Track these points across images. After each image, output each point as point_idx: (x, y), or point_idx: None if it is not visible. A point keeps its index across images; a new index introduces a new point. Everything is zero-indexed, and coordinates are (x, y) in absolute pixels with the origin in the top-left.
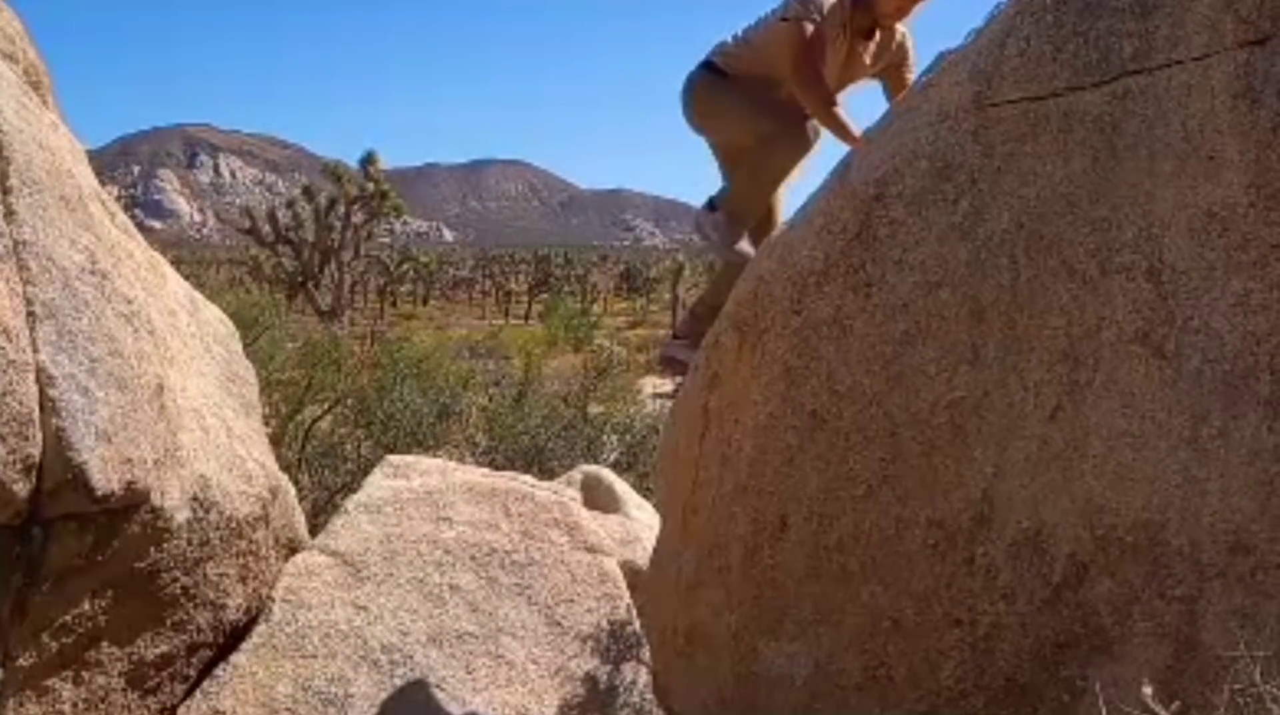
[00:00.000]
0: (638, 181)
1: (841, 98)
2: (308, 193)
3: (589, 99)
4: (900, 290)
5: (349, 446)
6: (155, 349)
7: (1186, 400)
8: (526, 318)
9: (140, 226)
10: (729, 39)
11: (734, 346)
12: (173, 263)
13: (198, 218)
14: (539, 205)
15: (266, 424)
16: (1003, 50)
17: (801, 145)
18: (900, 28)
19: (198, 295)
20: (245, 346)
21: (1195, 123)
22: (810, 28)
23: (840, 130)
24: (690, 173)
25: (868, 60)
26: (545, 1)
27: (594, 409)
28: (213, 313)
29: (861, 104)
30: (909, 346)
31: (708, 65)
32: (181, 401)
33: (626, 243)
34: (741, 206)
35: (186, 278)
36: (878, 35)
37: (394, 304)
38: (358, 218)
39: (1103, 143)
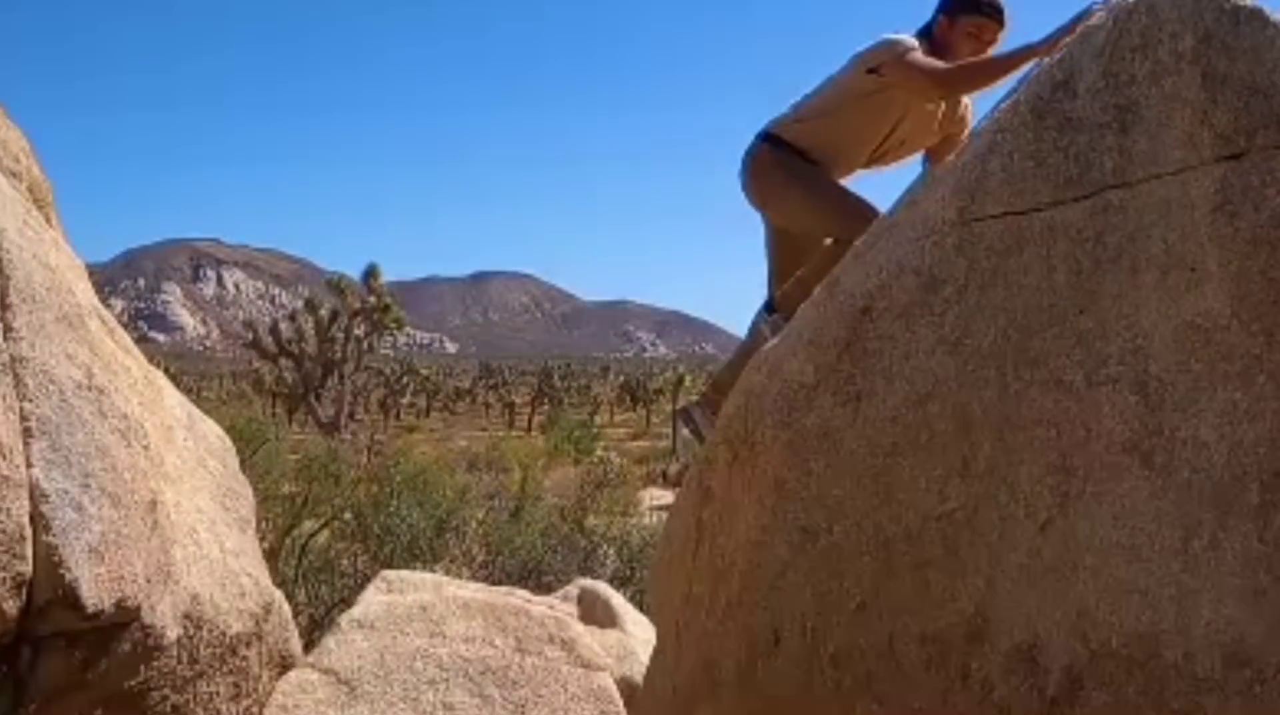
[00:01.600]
0: (639, 293)
1: (862, 173)
2: (310, 306)
3: (591, 211)
4: (889, 403)
5: (346, 561)
6: (150, 464)
7: (1177, 511)
8: (529, 429)
9: (144, 339)
10: (788, 110)
11: (725, 461)
12: (175, 375)
13: (201, 330)
14: (541, 317)
15: (263, 539)
16: (985, 166)
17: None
18: (965, 98)
19: (195, 409)
20: (243, 460)
21: (1176, 236)
22: (918, 55)
23: (1016, 59)
24: (691, 285)
25: (939, 116)
26: (546, 116)
27: (593, 521)
28: (209, 427)
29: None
30: (899, 459)
31: (767, 137)
32: (175, 517)
33: (629, 354)
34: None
35: (188, 390)
36: (944, 102)
37: (396, 416)
38: (360, 330)
39: (1086, 256)
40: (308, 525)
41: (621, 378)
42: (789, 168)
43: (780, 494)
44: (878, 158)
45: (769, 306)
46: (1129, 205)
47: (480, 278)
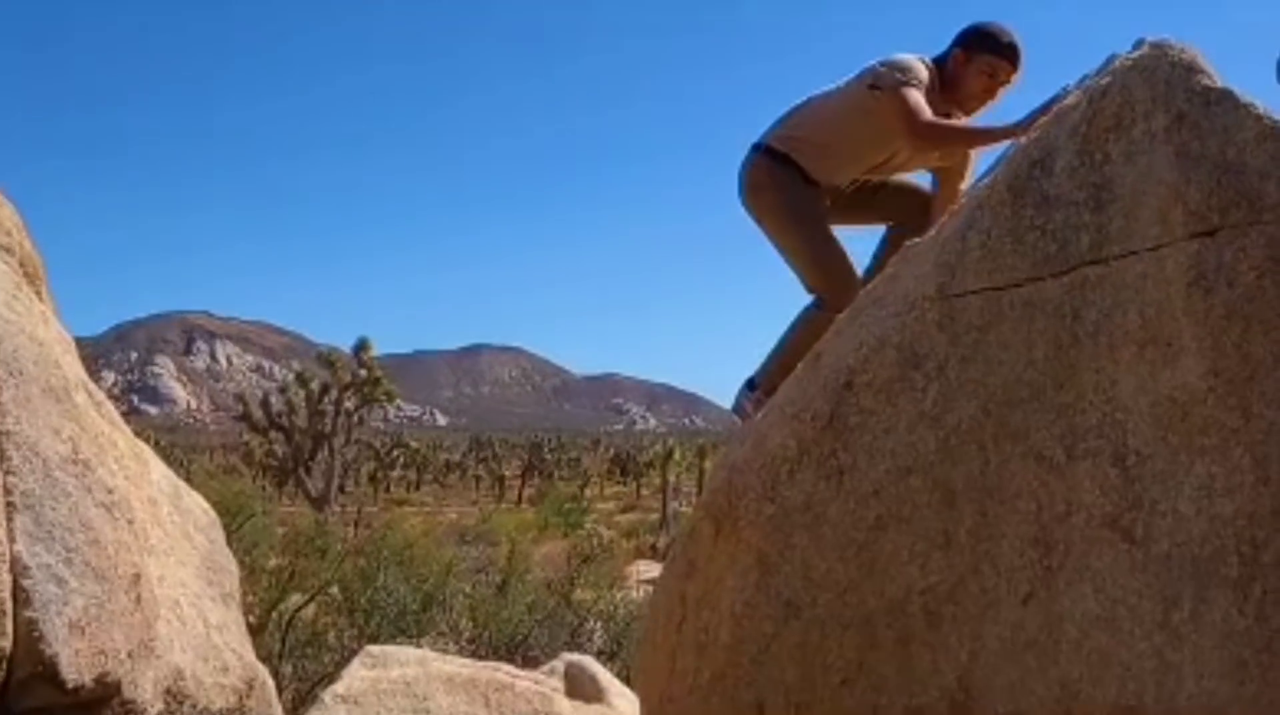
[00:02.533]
0: (629, 367)
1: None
2: (301, 379)
3: (582, 285)
4: (872, 477)
5: (332, 636)
6: (134, 538)
7: (1157, 584)
8: (519, 503)
9: (136, 412)
10: (782, 120)
11: (709, 535)
12: (166, 448)
13: (193, 403)
14: (532, 390)
15: (249, 613)
16: (964, 242)
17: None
18: (966, 119)
19: (181, 483)
20: (229, 534)
21: (1152, 311)
22: (914, 93)
23: (992, 135)
24: (680, 358)
25: (936, 152)
26: (537, 190)
27: (581, 595)
28: (195, 501)
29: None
30: (882, 533)
31: (762, 148)
32: (159, 591)
33: (619, 427)
34: (781, 368)
35: (179, 463)
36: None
37: (386, 489)
38: (350, 404)
39: (1064, 330)
40: (294, 599)
41: (612, 451)
42: (785, 192)
43: (764, 568)
44: (877, 171)
45: (750, 383)
46: (1106, 281)
47: (471, 351)
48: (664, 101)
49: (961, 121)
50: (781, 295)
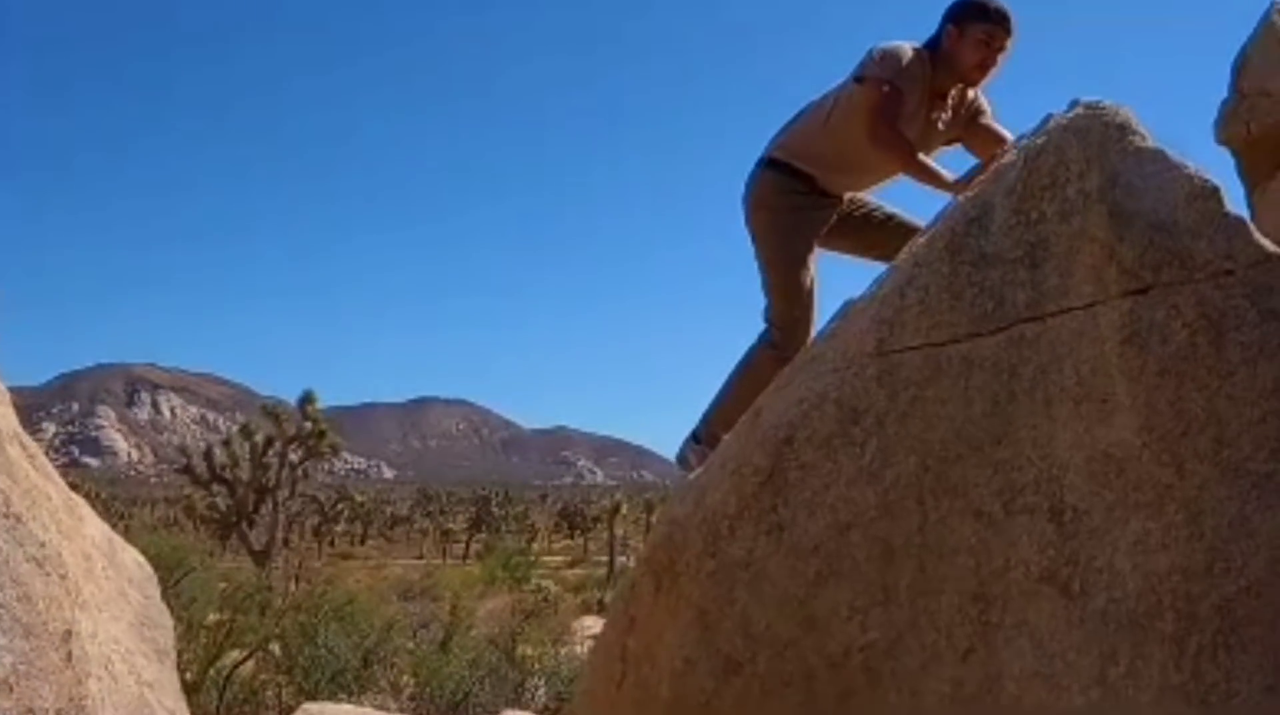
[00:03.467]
0: (578, 420)
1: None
2: (245, 431)
3: (531, 338)
4: (812, 532)
5: (270, 693)
6: (66, 594)
7: (1094, 639)
8: (465, 557)
9: (76, 464)
10: (785, 128)
11: (650, 590)
12: (106, 501)
13: (135, 455)
14: (480, 443)
15: (186, 670)
16: (903, 299)
17: (784, 354)
18: (973, 92)
19: (117, 537)
20: (167, 588)
21: (1087, 367)
22: (887, 88)
23: (933, 179)
24: (629, 411)
25: (941, 126)
26: (487, 243)
27: (526, 651)
28: (131, 556)
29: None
30: (822, 588)
31: (769, 162)
32: (90, 648)
33: (567, 480)
34: (726, 411)
35: (120, 516)
36: (951, 97)
37: (330, 543)
38: (295, 456)
39: (1001, 387)
40: (232, 656)
41: (560, 504)
42: (781, 214)
43: (704, 624)
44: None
45: (695, 435)
46: (1042, 338)
47: (419, 403)
48: (611, 152)
49: (927, 159)
50: (732, 349)
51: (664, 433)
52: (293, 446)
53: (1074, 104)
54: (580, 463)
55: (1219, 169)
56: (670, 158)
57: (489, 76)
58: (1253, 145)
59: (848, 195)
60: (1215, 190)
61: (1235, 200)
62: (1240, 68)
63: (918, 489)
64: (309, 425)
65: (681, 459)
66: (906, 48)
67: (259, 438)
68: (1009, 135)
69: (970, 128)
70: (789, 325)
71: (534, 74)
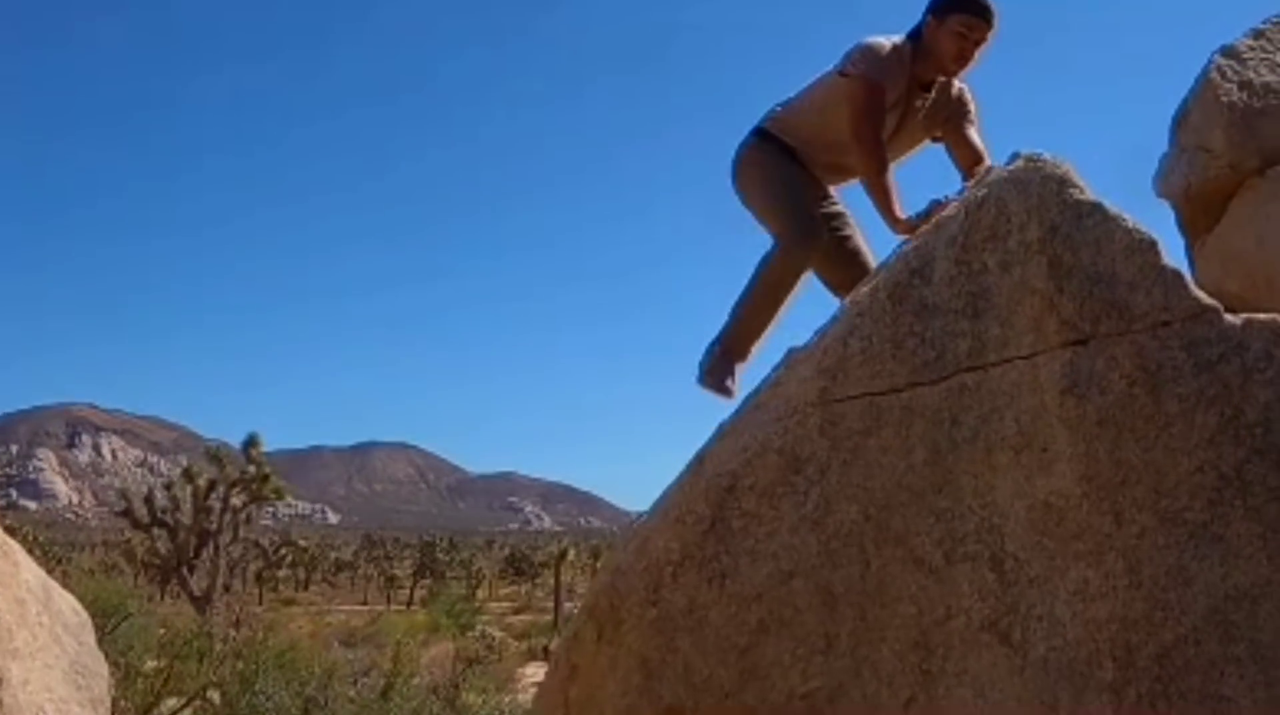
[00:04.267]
0: (526, 465)
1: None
2: (188, 475)
3: (479, 383)
4: (754, 580)
5: None
6: None
7: (1035, 687)
8: (409, 604)
9: (14, 507)
10: (779, 104)
11: (592, 638)
12: (45, 545)
13: (75, 498)
14: (426, 489)
15: None
16: (846, 348)
17: (812, 249)
18: (957, 81)
19: (52, 583)
20: (104, 635)
21: (1028, 417)
22: (871, 84)
23: (886, 203)
24: (577, 457)
25: (921, 115)
26: (432, 285)
27: (468, 699)
28: (66, 602)
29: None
30: (764, 636)
31: (758, 132)
32: (22, 696)
33: (514, 526)
34: (745, 326)
35: (58, 560)
36: (934, 90)
37: (273, 589)
38: (238, 501)
39: (943, 436)
40: (170, 704)
41: (506, 550)
42: (766, 168)
43: (646, 672)
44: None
45: (714, 344)
46: (983, 388)
47: (365, 448)
48: (559, 192)
49: (891, 180)
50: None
51: (612, 479)
52: (236, 490)
53: (1014, 156)
54: (527, 508)
55: (1159, 222)
56: (619, 202)
57: (421, 110)
58: (1192, 199)
59: (831, 209)
60: (1153, 243)
61: (1175, 253)
62: (1180, 122)
63: (860, 537)
64: (253, 469)
65: (706, 375)
66: (886, 43)
67: (201, 481)
68: (987, 157)
69: (953, 128)
70: (791, 231)
71: (472, 117)
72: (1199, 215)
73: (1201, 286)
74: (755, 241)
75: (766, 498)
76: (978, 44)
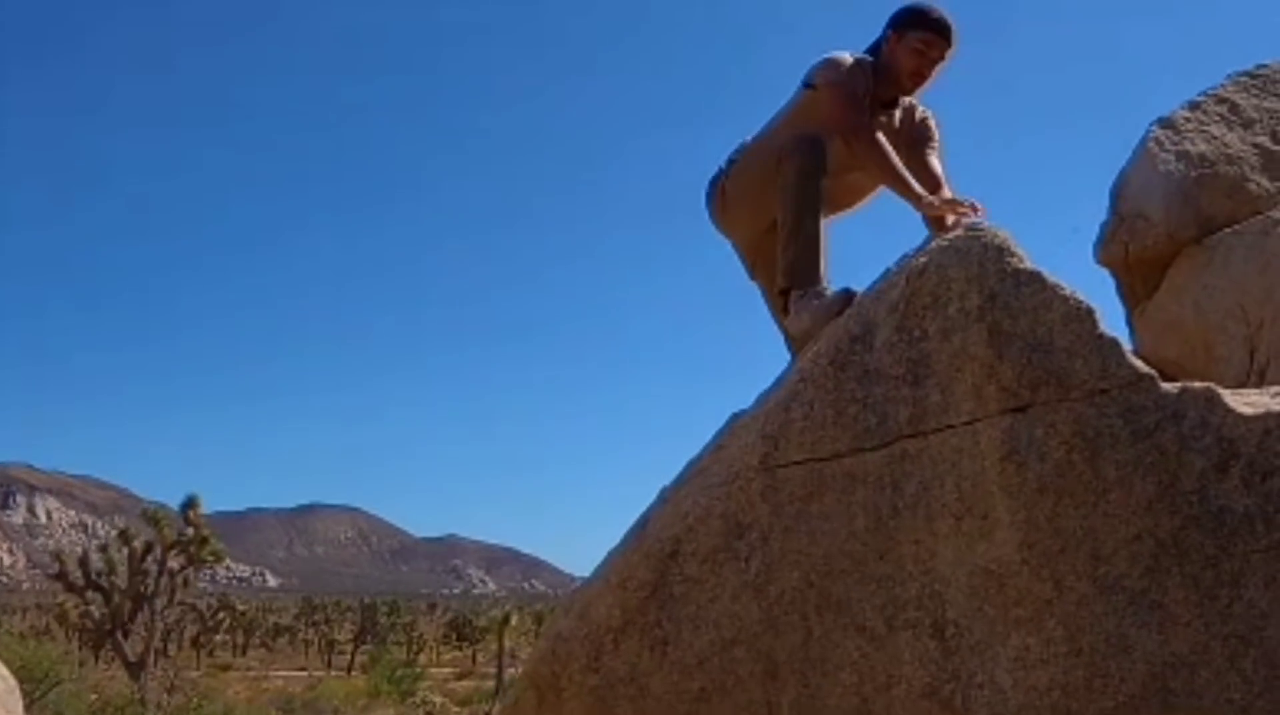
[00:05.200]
0: (469, 529)
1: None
2: (124, 536)
3: (423, 445)
4: (696, 647)
5: None
6: None
7: None
8: (349, 669)
9: None
10: (748, 138)
11: (533, 705)
12: None
13: (7, 560)
14: (368, 552)
15: None
16: (788, 413)
17: (816, 149)
18: (921, 106)
19: None
20: (33, 701)
21: (968, 484)
22: (841, 86)
23: (904, 185)
24: (521, 520)
25: (889, 136)
26: (377, 344)
27: None
28: None
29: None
30: (705, 704)
31: (731, 162)
32: None
33: (457, 590)
34: (799, 253)
35: None
36: (898, 112)
37: (210, 654)
38: (175, 563)
39: (884, 502)
40: None
41: (448, 615)
42: (744, 181)
43: None
44: (850, 189)
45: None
46: (924, 454)
47: (306, 510)
48: (500, 255)
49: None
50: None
51: (556, 543)
52: (173, 553)
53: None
54: (470, 572)
55: (1100, 289)
56: (561, 267)
57: (364, 176)
58: (1131, 267)
59: None
60: (1090, 311)
61: (1116, 320)
62: (1119, 191)
63: (802, 604)
64: (191, 531)
65: (792, 322)
66: (847, 56)
67: (138, 543)
68: (946, 187)
69: (914, 153)
70: (795, 142)
71: (422, 177)
72: (1138, 283)
73: (1141, 353)
74: (705, 294)
75: (709, 564)
76: (935, 62)
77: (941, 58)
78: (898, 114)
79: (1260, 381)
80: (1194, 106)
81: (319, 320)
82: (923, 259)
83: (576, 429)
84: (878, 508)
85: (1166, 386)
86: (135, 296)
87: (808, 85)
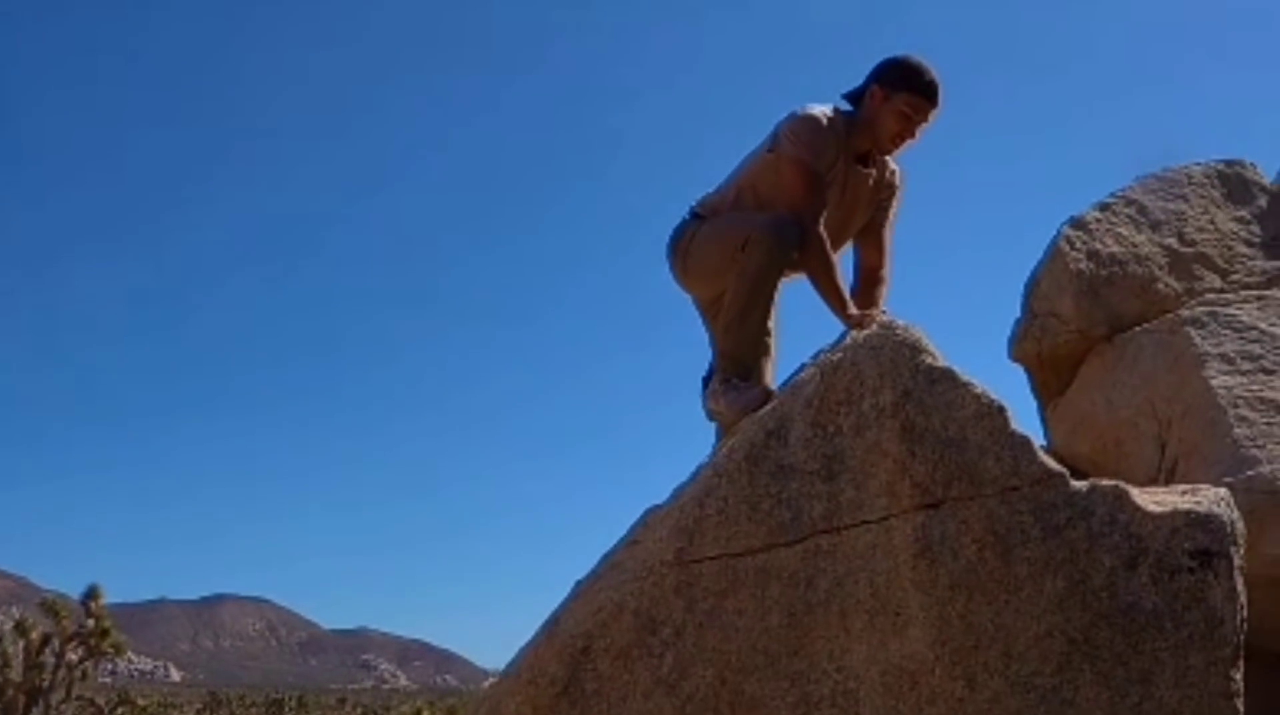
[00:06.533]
0: (381, 621)
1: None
2: (20, 628)
3: (334, 536)
4: None
5: None
6: None
7: None
8: None
9: None
10: (710, 191)
11: None
12: None
13: None
14: (277, 644)
15: None
16: (702, 508)
17: (785, 236)
18: (894, 165)
19: None
20: None
21: (882, 580)
22: (805, 168)
23: (837, 296)
24: (434, 613)
25: (861, 192)
26: (289, 432)
27: None
28: None
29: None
30: None
31: (694, 216)
32: None
33: (368, 684)
34: (736, 345)
35: None
36: (873, 168)
37: None
38: (74, 656)
39: (798, 598)
40: None
41: (359, 709)
42: (709, 230)
43: None
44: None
45: (706, 379)
46: (838, 550)
47: (214, 601)
48: (419, 335)
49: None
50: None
51: (470, 636)
52: (72, 645)
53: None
54: (382, 666)
55: (1014, 385)
56: (477, 346)
57: (300, 241)
58: (1044, 363)
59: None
60: (1001, 409)
61: (1030, 415)
62: (1031, 290)
63: (715, 701)
64: (91, 622)
65: (709, 411)
66: (821, 117)
67: (35, 635)
68: (887, 267)
69: (874, 219)
70: (768, 223)
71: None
72: (1051, 379)
73: (1054, 449)
74: (621, 385)
75: (621, 660)
76: (919, 126)
77: (925, 120)
78: (873, 172)
79: (1170, 478)
80: (1104, 207)
81: (226, 407)
82: (838, 355)
83: (492, 521)
84: (791, 604)
85: (1076, 484)
86: (33, 379)
87: (776, 144)
